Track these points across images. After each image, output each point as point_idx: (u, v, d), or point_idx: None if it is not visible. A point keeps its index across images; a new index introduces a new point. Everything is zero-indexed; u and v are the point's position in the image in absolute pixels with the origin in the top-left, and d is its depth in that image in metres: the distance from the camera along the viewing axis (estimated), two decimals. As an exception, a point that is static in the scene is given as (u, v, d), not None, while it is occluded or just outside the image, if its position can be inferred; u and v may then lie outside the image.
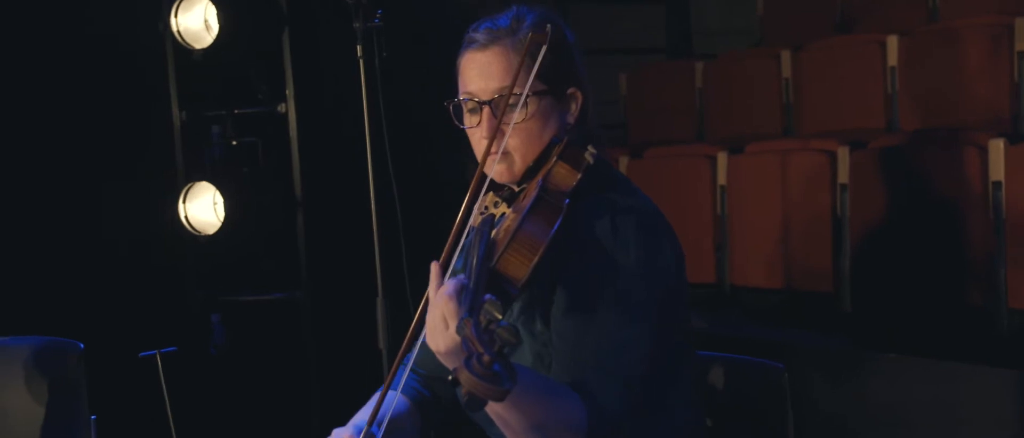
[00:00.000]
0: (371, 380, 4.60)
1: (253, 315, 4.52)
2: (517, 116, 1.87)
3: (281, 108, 4.42)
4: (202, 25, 4.35)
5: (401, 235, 3.11)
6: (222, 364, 4.43)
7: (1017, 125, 3.97)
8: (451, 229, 1.79)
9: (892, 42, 4.46)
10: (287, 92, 4.41)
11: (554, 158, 1.83)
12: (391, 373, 1.84)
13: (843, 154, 3.84)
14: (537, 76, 1.84)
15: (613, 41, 6.50)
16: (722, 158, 4.22)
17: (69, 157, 4.58)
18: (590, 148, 1.82)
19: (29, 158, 4.49)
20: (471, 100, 1.92)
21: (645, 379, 1.73)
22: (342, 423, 1.89)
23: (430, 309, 1.64)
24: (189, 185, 4.37)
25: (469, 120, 1.93)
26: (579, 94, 1.94)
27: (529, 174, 1.89)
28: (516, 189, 1.90)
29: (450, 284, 1.61)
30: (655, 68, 5.89)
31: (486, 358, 1.40)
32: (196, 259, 4.49)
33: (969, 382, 3.17)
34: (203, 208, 4.39)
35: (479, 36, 1.92)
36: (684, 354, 1.86)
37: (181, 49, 4.38)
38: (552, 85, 1.87)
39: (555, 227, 1.66)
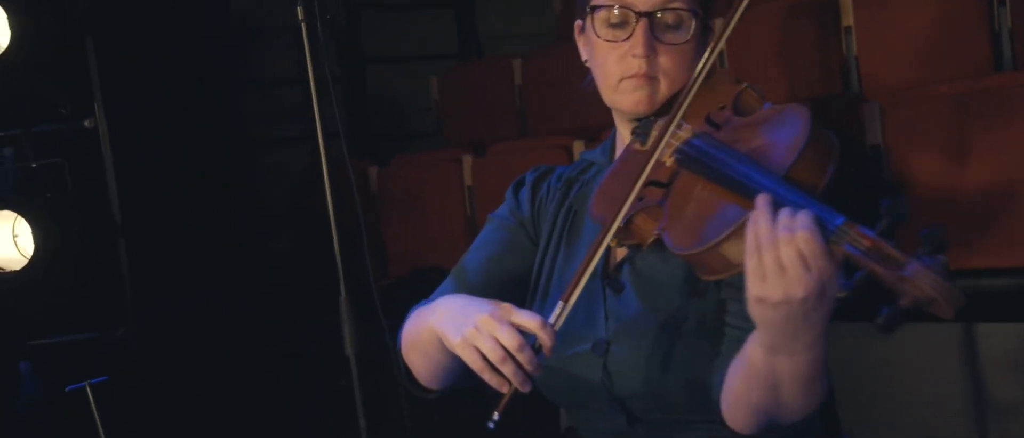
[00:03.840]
0: (216, 426, 4.19)
1: (70, 359, 3.98)
2: (680, 36, 1.63)
3: (88, 123, 3.93)
4: (-15, 34, 3.81)
5: (363, 230, 2.79)
6: (40, 419, 3.87)
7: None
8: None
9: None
10: (95, 105, 3.93)
11: (743, 84, 1.61)
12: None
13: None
14: None
15: (406, 48, 6.32)
16: (578, 146, 4.11)
17: None
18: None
19: None
20: (625, 9, 1.64)
21: None
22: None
23: (772, 250, 1.29)
24: (-16, 217, 3.80)
25: (612, 33, 1.65)
26: (714, 29, 1.70)
27: (665, 106, 1.64)
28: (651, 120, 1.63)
29: (799, 215, 1.29)
30: (468, 68, 5.73)
31: (943, 259, 1.22)
32: (-3, 300, 3.90)
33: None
34: (1, 243, 3.82)
35: None
36: None
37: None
38: (705, 11, 1.66)
39: (835, 141, 1.44)
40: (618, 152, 1.75)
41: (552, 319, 1.50)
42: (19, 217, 3.78)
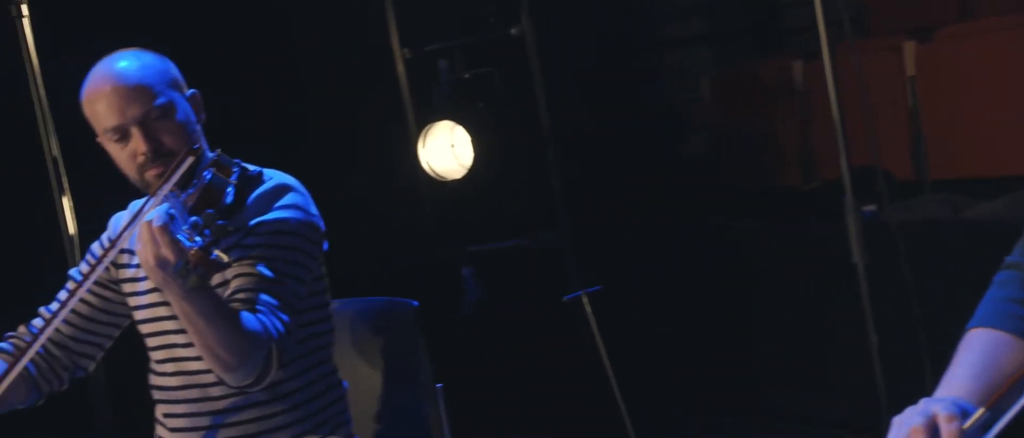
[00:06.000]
0: (658, 326, 4.16)
1: (506, 265, 4.08)
2: None
3: (515, 31, 3.94)
4: (417, -50, 3.91)
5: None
6: (482, 322, 4.00)
7: None
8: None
9: None
10: (521, 13, 3.92)
11: None
12: None
13: None
14: None
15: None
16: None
17: (284, 111, 4.20)
18: None
19: (236, 117, 4.09)
20: None
21: None
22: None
23: None
24: (426, 128, 3.94)
25: None
26: None
27: None
28: None
29: None
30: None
31: None
32: (439, 208, 4.06)
33: None
34: (440, 152, 3.95)
35: None
36: None
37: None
38: None
39: None
40: None
41: (969, 421, 1.33)
42: (457, 126, 3.88)
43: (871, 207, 4.07)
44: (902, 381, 2.65)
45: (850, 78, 4.27)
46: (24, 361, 1.97)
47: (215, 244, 1.75)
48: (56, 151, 2.44)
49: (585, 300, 2.93)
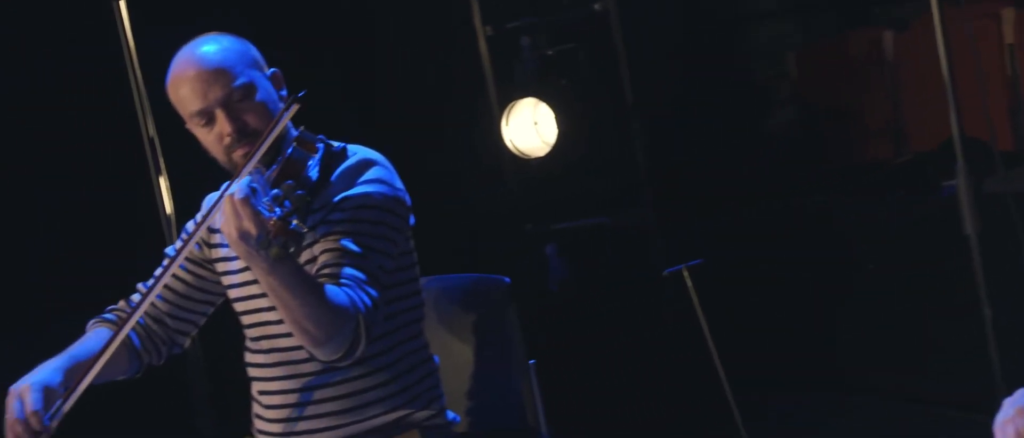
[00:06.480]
0: (750, 303, 4.11)
1: (591, 242, 4.06)
2: None
3: (598, 6, 3.91)
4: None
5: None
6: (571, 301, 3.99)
7: None
8: None
9: None
10: (605, -13, 3.90)
11: None
12: None
13: None
14: None
15: None
16: None
17: (367, 89, 4.23)
18: None
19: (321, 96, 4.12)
20: None
21: None
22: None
23: None
24: (509, 105, 3.93)
25: None
26: None
27: None
28: None
29: None
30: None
31: None
32: (522, 185, 4.05)
33: None
34: (523, 130, 3.95)
35: None
36: None
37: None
38: None
39: None
40: None
41: None
42: (540, 103, 3.87)
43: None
44: (1017, 357, 2.58)
45: (947, 47, 4.15)
46: (127, 329, 2.02)
47: (295, 214, 1.76)
48: (153, 132, 2.50)
49: (685, 274, 2.90)
